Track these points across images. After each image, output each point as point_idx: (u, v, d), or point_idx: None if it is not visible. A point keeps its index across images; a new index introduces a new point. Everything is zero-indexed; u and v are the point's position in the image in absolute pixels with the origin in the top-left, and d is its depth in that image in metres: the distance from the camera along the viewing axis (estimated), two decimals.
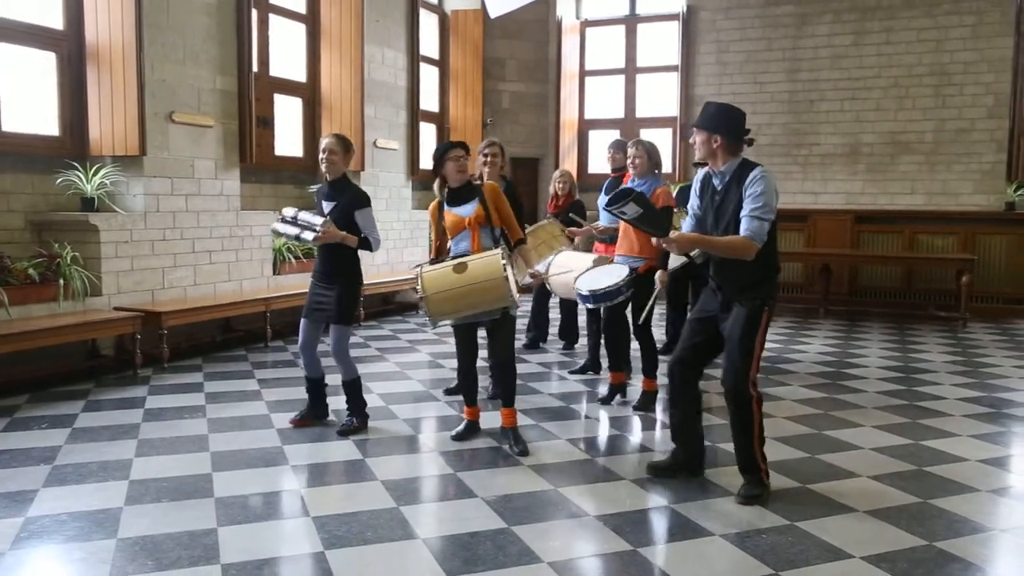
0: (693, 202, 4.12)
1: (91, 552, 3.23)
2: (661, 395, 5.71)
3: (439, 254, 4.85)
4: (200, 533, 3.42)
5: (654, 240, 4.02)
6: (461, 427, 4.89)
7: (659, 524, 3.67)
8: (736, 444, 4.01)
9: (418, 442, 4.87)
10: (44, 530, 3.44)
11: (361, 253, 4.98)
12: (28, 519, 3.54)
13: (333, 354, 5.00)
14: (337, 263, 4.94)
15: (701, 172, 4.12)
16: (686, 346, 4.11)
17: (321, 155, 4.92)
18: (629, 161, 5.62)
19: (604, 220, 6.06)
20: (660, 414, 5.46)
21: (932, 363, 7.38)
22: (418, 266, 4.77)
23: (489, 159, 5.86)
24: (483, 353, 5.18)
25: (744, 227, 3.73)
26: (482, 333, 4.86)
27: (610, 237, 6.05)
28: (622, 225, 5.63)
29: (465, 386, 4.87)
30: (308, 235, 4.79)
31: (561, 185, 7.47)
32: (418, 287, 4.50)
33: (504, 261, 4.40)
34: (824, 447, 4.79)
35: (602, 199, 5.97)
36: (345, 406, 5.08)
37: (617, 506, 3.86)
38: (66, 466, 4.23)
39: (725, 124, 3.87)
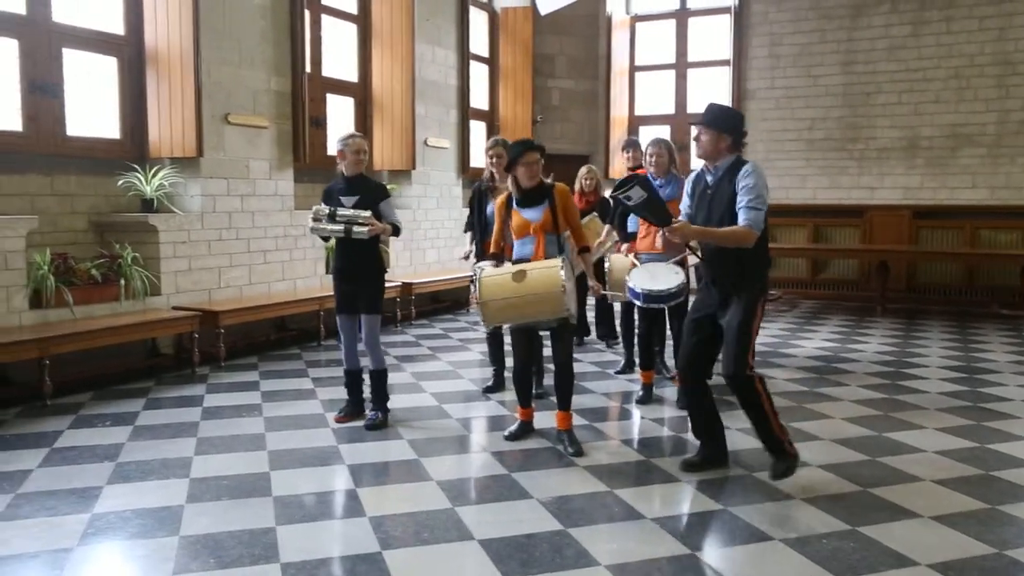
0: (684, 203, 4.29)
1: (154, 549, 3.30)
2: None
3: (497, 248, 4.85)
4: (259, 532, 3.47)
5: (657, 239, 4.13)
6: (515, 427, 4.88)
7: (718, 527, 3.61)
8: (754, 427, 4.09)
9: (472, 442, 4.88)
10: (109, 526, 3.52)
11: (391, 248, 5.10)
12: (94, 515, 3.63)
13: (366, 344, 5.16)
14: (365, 258, 5.06)
15: (693, 174, 4.27)
16: (690, 345, 4.25)
17: (356, 155, 5.01)
18: (649, 160, 5.62)
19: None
20: None
21: (996, 363, 7.17)
22: (477, 264, 4.77)
23: (495, 160, 5.79)
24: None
25: (743, 217, 3.89)
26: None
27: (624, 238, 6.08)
28: (645, 225, 5.61)
29: (520, 387, 4.85)
30: (361, 229, 4.84)
31: (588, 182, 7.42)
32: (476, 291, 4.51)
33: (563, 274, 4.35)
34: (885, 450, 4.68)
35: None
36: (370, 398, 5.21)
37: (674, 508, 3.83)
38: (129, 463, 4.33)
39: (735, 126, 4.09)
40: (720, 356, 4.11)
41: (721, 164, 4.06)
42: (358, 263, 5.05)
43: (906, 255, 10.47)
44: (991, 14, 10.47)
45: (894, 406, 5.66)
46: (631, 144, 6.91)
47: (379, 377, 5.16)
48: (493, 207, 5.73)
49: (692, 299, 4.47)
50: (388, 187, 7.04)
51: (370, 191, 5.06)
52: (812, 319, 9.67)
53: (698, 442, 4.42)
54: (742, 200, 3.91)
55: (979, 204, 10.58)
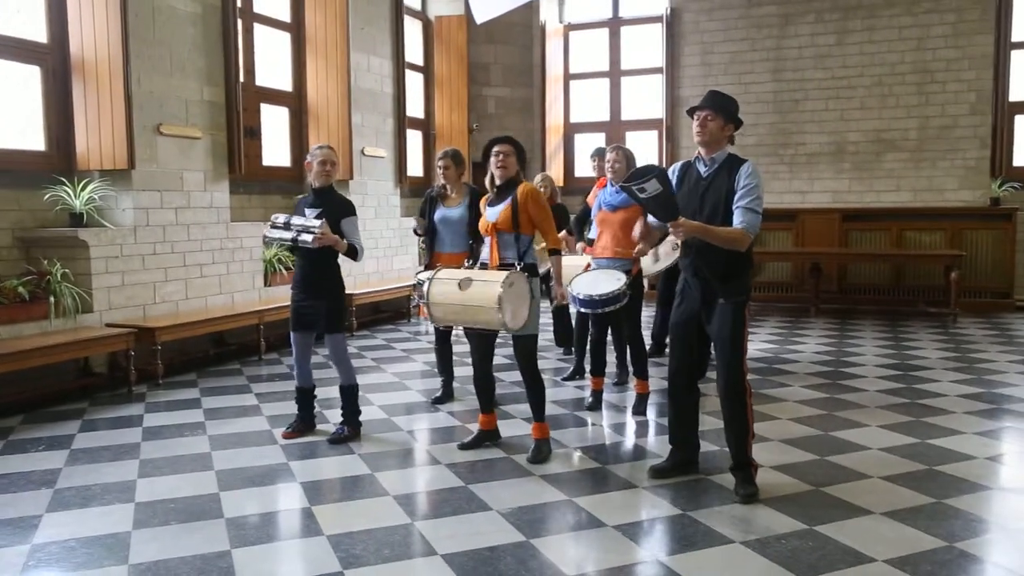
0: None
1: None
2: (653, 399, 5.71)
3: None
4: (213, 556, 3.35)
5: (635, 227, 4.10)
6: (470, 437, 4.83)
7: (678, 532, 3.62)
8: (730, 441, 4.07)
9: (424, 454, 4.81)
10: (52, 558, 3.35)
11: (343, 261, 5.00)
12: (34, 546, 3.45)
13: (334, 361, 5.06)
14: (321, 273, 4.94)
15: (676, 165, 4.20)
16: (681, 351, 4.21)
17: (322, 166, 4.92)
18: (608, 166, 5.61)
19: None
20: (657, 417, 5.46)
21: (928, 359, 7.41)
22: (419, 274, 4.78)
23: (443, 172, 5.78)
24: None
25: (739, 219, 3.83)
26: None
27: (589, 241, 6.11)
28: (602, 230, 5.65)
29: (478, 391, 4.79)
30: (307, 236, 4.73)
31: (542, 189, 7.44)
32: (424, 292, 4.50)
33: (502, 291, 4.22)
34: (832, 448, 4.78)
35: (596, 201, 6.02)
36: (340, 415, 5.09)
37: (634, 515, 3.83)
38: (68, 489, 4.13)
39: (736, 115, 4.04)
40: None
41: (718, 156, 3.97)
42: (318, 279, 4.92)
43: (837, 257, 10.77)
44: (909, 24, 10.86)
45: (837, 405, 5.80)
46: (600, 153, 6.94)
47: (349, 392, 5.04)
48: (442, 214, 5.77)
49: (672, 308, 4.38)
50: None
51: (334, 206, 4.93)
52: (750, 321, 9.83)
53: (652, 447, 4.43)
54: (742, 200, 3.83)
55: (903, 206, 10.95)
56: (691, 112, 4.06)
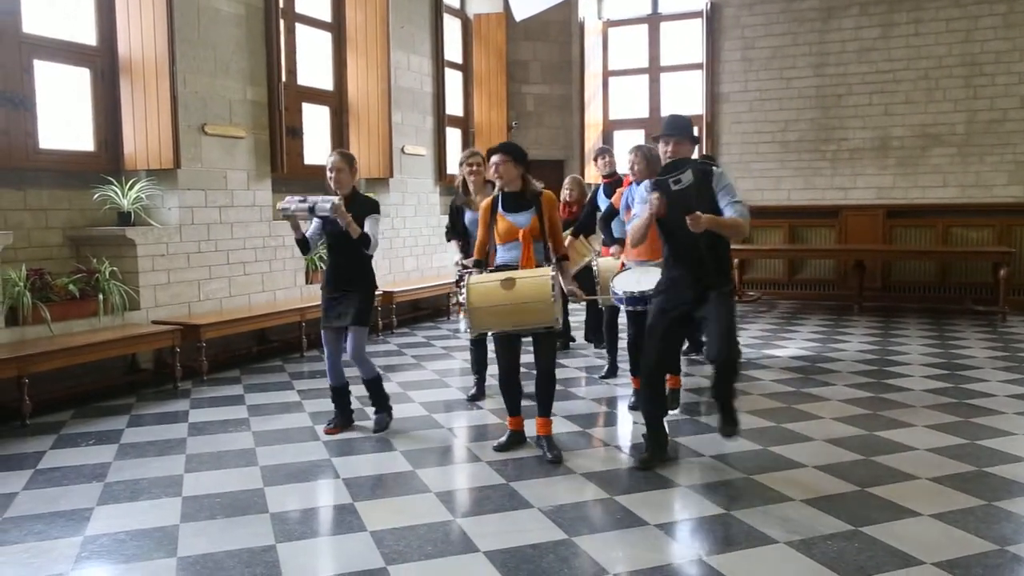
0: (638, 209, 4.67)
1: (153, 572, 3.22)
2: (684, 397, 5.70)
3: (482, 254, 4.81)
4: (259, 550, 3.39)
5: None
6: (504, 438, 4.81)
7: (721, 531, 3.59)
8: (723, 397, 4.35)
9: (465, 452, 4.84)
10: (104, 549, 3.43)
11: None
12: (87, 538, 3.53)
13: (352, 357, 5.04)
14: (353, 269, 4.99)
15: (646, 184, 4.59)
16: (664, 344, 4.48)
17: (328, 173, 4.95)
18: (628, 167, 5.54)
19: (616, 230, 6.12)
20: (682, 414, 5.42)
21: (975, 359, 7.26)
22: (464, 269, 4.76)
23: (474, 168, 5.76)
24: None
25: (737, 212, 4.25)
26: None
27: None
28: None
29: (507, 395, 4.78)
30: (325, 204, 4.74)
31: (568, 191, 7.42)
32: (463, 297, 4.46)
33: (553, 283, 4.33)
34: (878, 449, 4.70)
35: (603, 201, 6.39)
36: (371, 406, 5.20)
37: (674, 514, 3.81)
38: (118, 483, 4.22)
39: (689, 131, 4.44)
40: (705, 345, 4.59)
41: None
42: (349, 272, 4.97)
43: (881, 254, 10.60)
44: (957, 16, 10.63)
45: (881, 404, 5.70)
46: (603, 151, 6.96)
47: (374, 384, 5.11)
48: (475, 218, 5.66)
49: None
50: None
51: (359, 206, 4.97)
52: (792, 320, 9.73)
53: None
54: (728, 198, 4.27)
55: (950, 203, 10.72)
56: (656, 139, 4.50)
